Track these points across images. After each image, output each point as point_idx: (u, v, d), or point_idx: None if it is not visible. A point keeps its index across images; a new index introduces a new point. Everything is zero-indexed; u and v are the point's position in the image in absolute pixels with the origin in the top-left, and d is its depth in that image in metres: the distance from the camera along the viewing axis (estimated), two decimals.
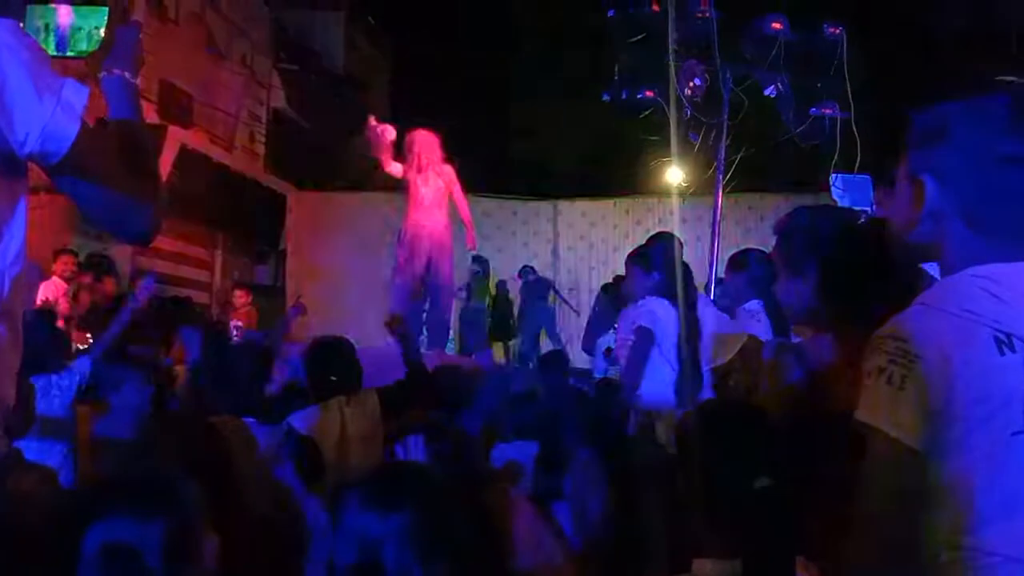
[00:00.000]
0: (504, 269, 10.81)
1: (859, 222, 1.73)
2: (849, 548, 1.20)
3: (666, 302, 3.84)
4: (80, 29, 1.52)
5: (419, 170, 6.71)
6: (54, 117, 1.24)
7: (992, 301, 1.19)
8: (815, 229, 1.69)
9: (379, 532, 1.57)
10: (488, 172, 17.45)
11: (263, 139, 15.51)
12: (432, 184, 6.72)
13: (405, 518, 1.59)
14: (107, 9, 1.55)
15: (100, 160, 1.34)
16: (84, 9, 1.53)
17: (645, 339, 3.79)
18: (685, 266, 3.93)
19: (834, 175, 7.18)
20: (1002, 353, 1.16)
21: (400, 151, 6.88)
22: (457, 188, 6.92)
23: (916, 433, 1.16)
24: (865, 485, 1.20)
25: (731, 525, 1.41)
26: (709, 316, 4.06)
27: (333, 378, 3.33)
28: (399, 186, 6.96)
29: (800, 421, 1.21)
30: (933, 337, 1.18)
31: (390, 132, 6.71)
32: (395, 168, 6.78)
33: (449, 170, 6.85)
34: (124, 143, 1.44)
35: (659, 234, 4.31)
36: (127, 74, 1.50)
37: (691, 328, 3.78)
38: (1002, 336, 1.17)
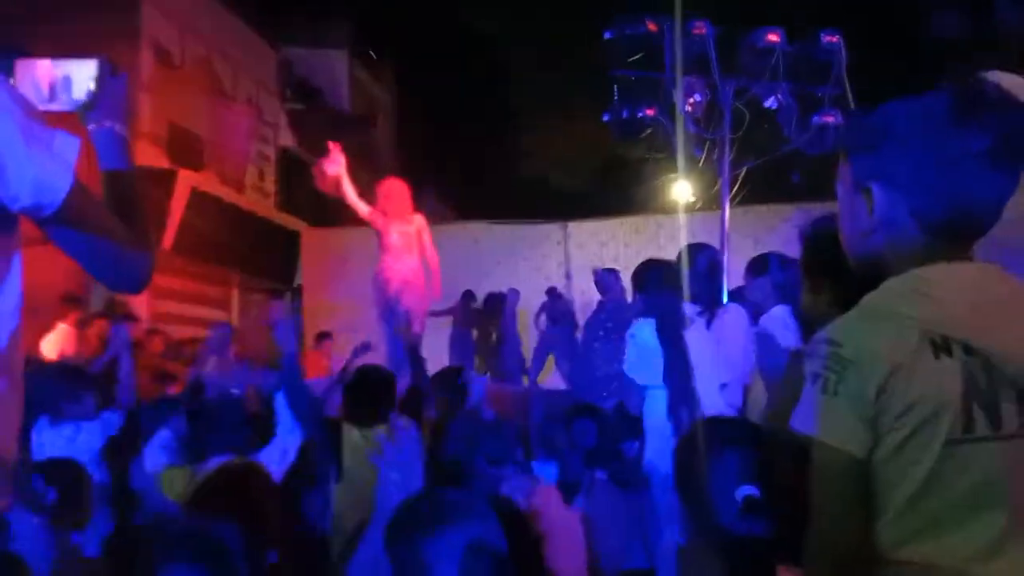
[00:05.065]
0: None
1: None
2: (805, 556, 1.16)
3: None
4: (70, 82, 1.52)
5: (386, 215, 6.92)
6: (46, 170, 1.22)
7: (929, 303, 1.15)
8: (833, 239, 1.61)
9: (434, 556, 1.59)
10: (495, 197, 17.55)
11: (273, 178, 15.69)
12: (399, 229, 6.94)
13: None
14: (97, 62, 1.54)
15: (93, 212, 1.33)
16: (74, 62, 1.53)
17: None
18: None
19: None
20: (937, 357, 1.11)
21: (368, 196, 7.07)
22: (427, 236, 7.13)
23: (855, 440, 1.12)
24: (812, 494, 1.15)
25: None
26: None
27: (376, 407, 3.50)
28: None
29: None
30: (866, 341, 1.14)
31: (331, 166, 6.79)
32: (362, 207, 6.96)
33: (420, 219, 7.11)
34: (116, 194, 1.45)
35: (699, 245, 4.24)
36: (117, 126, 1.50)
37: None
38: (938, 339, 1.12)
